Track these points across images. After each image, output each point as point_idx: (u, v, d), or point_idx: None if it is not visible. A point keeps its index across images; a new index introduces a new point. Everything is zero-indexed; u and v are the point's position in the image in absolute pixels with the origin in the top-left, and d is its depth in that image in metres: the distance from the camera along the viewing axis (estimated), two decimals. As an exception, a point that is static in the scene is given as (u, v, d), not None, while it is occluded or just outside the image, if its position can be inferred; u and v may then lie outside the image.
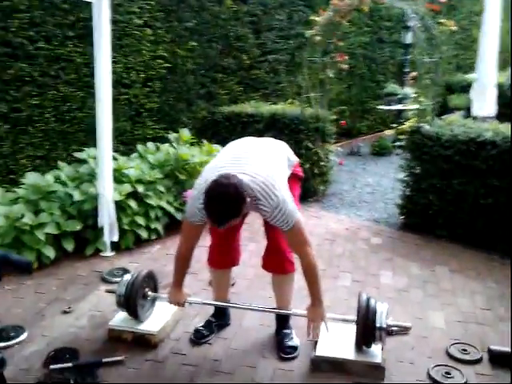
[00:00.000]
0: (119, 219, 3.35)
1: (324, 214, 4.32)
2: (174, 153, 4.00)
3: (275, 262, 2.31)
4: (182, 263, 2.26)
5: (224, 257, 2.42)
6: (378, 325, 2.08)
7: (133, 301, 2.31)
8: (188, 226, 2.16)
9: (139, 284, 2.34)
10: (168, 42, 5.04)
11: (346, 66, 5.08)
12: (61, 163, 3.63)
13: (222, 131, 5.00)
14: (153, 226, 3.51)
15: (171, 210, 3.63)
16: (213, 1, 5.37)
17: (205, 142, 4.36)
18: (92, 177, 3.48)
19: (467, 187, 3.49)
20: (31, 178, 3.35)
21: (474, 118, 4.86)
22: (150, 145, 4.24)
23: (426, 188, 3.73)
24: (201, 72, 5.33)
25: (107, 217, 3.28)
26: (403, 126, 4.25)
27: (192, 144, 4.33)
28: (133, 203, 3.41)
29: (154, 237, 3.55)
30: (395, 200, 4.10)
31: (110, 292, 2.53)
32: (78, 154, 3.67)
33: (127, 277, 2.42)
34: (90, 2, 3.25)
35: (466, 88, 7.39)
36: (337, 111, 5.13)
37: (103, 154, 3.30)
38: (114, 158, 3.59)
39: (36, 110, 4.00)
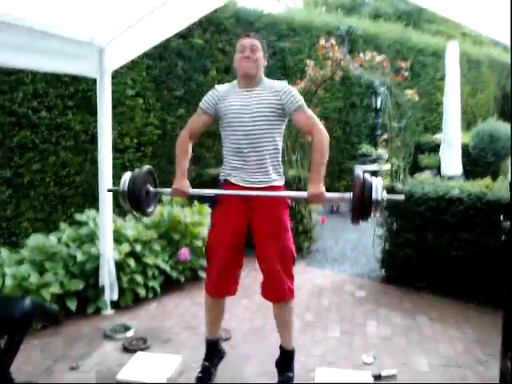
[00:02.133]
0: (118, 278, 3.52)
1: (310, 269, 4.57)
2: (168, 214, 4.23)
3: (275, 290, 2.40)
4: (183, 149, 2.48)
5: (222, 281, 2.45)
6: (373, 198, 2.08)
7: (137, 196, 2.36)
8: (196, 114, 2.50)
9: (142, 180, 2.40)
10: (158, 110, 5.39)
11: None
12: (62, 225, 3.82)
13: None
14: (150, 284, 3.68)
15: (167, 268, 3.82)
16: (198, 71, 5.80)
17: (196, 202, 4.61)
18: (92, 238, 3.67)
19: (440, 241, 3.78)
20: (35, 239, 3.52)
21: (443, 177, 5.26)
22: (144, 206, 4.47)
23: (403, 243, 4.02)
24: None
25: (108, 276, 3.45)
26: (379, 185, 4.59)
27: (183, 205, 4.57)
28: (132, 262, 3.59)
29: (151, 295, 3.70)
30: (376, 255, 4.39)
31: (112, 191, 2.59)
32: (78, 216, 3.88)
33: (128, 174, 2.44)
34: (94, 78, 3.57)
35: (434, 148, 7.93)
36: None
37: (104, 215, 3.50)
38: (113, 220, 3.80)
39: (37, 174, 4.24)
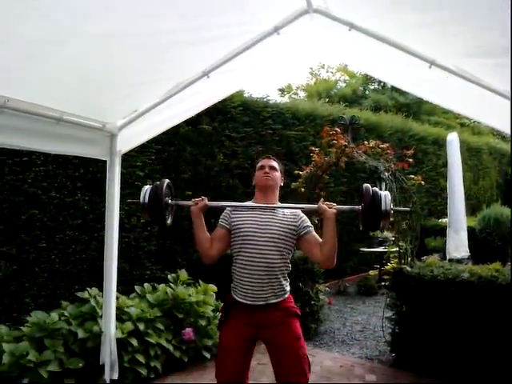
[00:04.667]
0: (120, 356, 3.41)
1: (317, 351, 4.42)
2: (172, 292, 4.19)
3: None
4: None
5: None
6: (383, 208, 2.24)
7: (159, 209, 2.45)
8: (218, 228, 2.55)
9: (162, 192, 2.47)
10: (166, 191, 5.52)
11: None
12: (64, 302, 3.78)
13: (215, 271, 5.22)
14: (152, 364, 3.57)
15: (170, 347, 3.72)
16: (206, 156, 6.00)
17: (200, 282, 4.58)
18: (93, 315, 3.61)
19: (450, 325, 3.70)
20: (36, 316, 3.48)
21: (451, 260, 5.23)
22: (147, 285, 4.44)
23: (412, 326, 3.93)
24: (196, 217, 5.74)
25: (109, 355, 3.34)
26: (386, 267, 4.58)
27: (188, 284, 4.54)
28: (134, 341, 3.51)
29: (152, 375, 3.58)
30: (385, 337, 4.25)
31: (132, 203, 2.56)
32: (80, 294, 3.84)
33: (148, 187, 2.55)
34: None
35: (440, 231, 7.95)
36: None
37: (109, 293, 3.47)
38: (116, 297, 3.77)
39: (43, 252, 4.26)
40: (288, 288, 2.49)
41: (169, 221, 2.61)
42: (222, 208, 2.61)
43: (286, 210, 2.52)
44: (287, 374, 2.36)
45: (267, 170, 2.55)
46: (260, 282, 2.37)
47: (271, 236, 2.40)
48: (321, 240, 2.44)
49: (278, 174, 2.58)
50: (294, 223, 2.47)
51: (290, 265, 2.50)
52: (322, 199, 2.50)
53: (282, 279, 2.43)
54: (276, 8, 2.55)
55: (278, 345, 2.38)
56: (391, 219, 5.26)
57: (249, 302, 2.39)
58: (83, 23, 1.92)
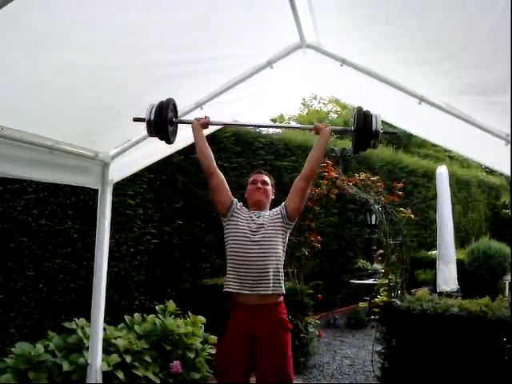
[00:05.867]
0: (105, 390, 3.34)
1: (306, 386, 4.35)
2: (160, 323, 4.12)
3: None
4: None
5: None
6: (373, 128, 2.38)
7: (164, 125, 2.49)
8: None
9: (167, 109, 2.50)
10: (157, 220, 5.50)
11: (318, 245, 5.55)
12: (50, 333, 3.69)
13: (204, 303, 5.17)
14: (138, 398, 3.48)
15: (157, 381, 3.62)
16: (198, 185, 5.99)
17: (189, 313, 4.52)
18: (80, 346, 3.53)
19: (440, 360, 3.66)
20: (21, 347, 3.39)
21: (440, 293, 5.22)
22: (137, 315, 4.37)
23: (402, 360, 3.88)
24: (186, 247, 5.71)
25: (94, 388, 3.27)
26: (376, 300, 4.56)
27: (177, 315, 4.47)
28: (120, 374, 3.43)
29: (138, 410, 3.49)
30: (375, 372, 4.19)
31: (138, 120, 2.58)
32: (67, 324, 3.76)
33: (154, 104, 2.53)
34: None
35: (430, 264, 7.97)
36: (313, 285, 5.45)
37: (96, 324, 3.39)
38: (103, 328, 3.69)
39: (31, 280, 4.19)
40: (283, 286, 2.56)
41: (172, 139, 2.67)
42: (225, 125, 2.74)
43: (269, 212, 2.68)
44: None
45: (259, 185, 2.69)
46: (257, 269, 2.45)
47: (263, 230, 2.53)
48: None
49: (269, 188, 2.73)
50: (277, 213, 2.61)
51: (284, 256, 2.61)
52: (315, 121, 2.70)
53: (278, 268, 2.52)
54: (270, 42, 2.62)
55: (264, 360, 2.44)
56: (381, 251, 5.26)
57: (247, 292, 2.45)
58: (80, 56, 1.95)
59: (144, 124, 2.78)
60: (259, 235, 2.53)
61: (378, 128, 2.41)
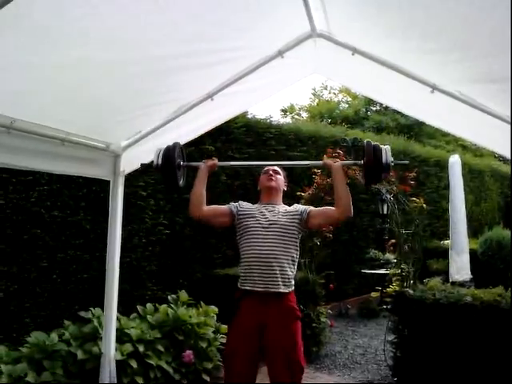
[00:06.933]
0: (119, 378, 3.37)
1: (318, 375, 4.37)
2: (173, 313, 4.16)
3: None
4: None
5: None
6: (384, 161, 2.37)
7: (171, 170, 2.55)
8: (222, 205, 2.69)
9: (173, 154, 2.56)
10: (168, 211, 5.52)
11: (330, 235, 5.54)
12: (66, 322, 3.75)
13: (216, 293, 5.20)
14: (151, 386, 3.53)
15: (170, 370, 3.67)
16: (209, 176, 6.00)
17: (202, 303, 4.55)
18: (95, 336, 3.58)
19: (452, 349, 3.65)
20: (36, 337, 3.45)
21: (453, 283, 5.20)
22: (149, 305, 4.41)
23: (414, 350, 3.88)
24: (197, 238, 5.74)
25: (108, 377, 3.30)
26: (388, 290, 4.55)
27: (189, 305, 4.51)
28: (133, 363, 3.47)
29: (151, 398, 3.53)
30: (387, 361, 4.20)
31: (145, 165, 2.71)
32: (83, 314, 3.81)
33: (161, 148, 2.61)
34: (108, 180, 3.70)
35: (442, 253, 7.92)
36: (324, 275, 5.45)
37: (109, 314, 3.44)
38: (117, 318, 3.74)
39: (44, 271, 4.24)
40: (293, 282, 2.59)
41: (180, 182, 2.71)
42: (232, 167, 2.81)
43: (286, 208, 2.70)
44: (277, 375, 2.46)
45: (271, 172, 2.74)
46: (270, 270, 2.48)
47: (276, 227, 2.55)
48: (327, 207, 2.64)
49: (281, 177, 2.78)
50: (296, 213, 2.63)
51: (298, 253, 2.63)
52: (325, 156, 2.74)
53: (290, 268, 2.55)
54: (280, 32, 2.60)
55: (274, 349, 2.47)
56: (393, 241, 5.25)
57: (260, 289, 2.49)
58: (90, 49, 1.95)
59: (155, 115, 2.80)
60: (271, 233, 2.55)
61: (389, 161, 2.41)
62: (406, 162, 2.79)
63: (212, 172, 2.73)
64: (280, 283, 2.49)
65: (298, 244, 2.62)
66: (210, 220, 2.70)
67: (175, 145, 2.65)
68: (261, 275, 2.50)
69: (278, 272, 2.49)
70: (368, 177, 2.51)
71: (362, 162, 2.49)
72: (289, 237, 2.56)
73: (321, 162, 2.68)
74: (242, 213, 2.64)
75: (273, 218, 2.59)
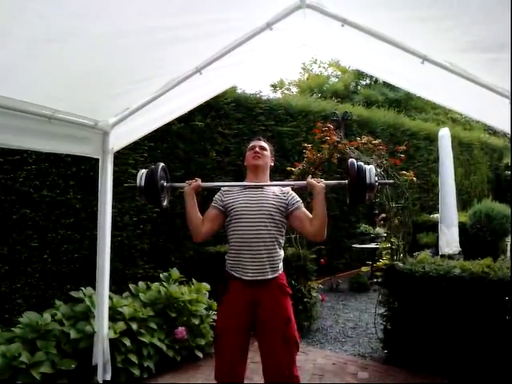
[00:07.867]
0: (112, 357, 3.39)
1: (310, 349, 4.42)
2: (165, 291, 4.17)
3: (280, 379, 2.43)
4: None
5: (232, 371, 2.49)
6: (367, 181, 2.37)
7: (155, 192, 2.52)
8: (209, 209, 2.61)
9: (157, 175, 2.53)
10: (159, 188, 5.47)
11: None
12: (57, 302, 3.74)
13: (208, 270, 5.21)
14: (145, 363, 3.54)
15: (163, 347, 3.69)
16: (199, 153, 5.96)
17: (194, 280, 4.56)
18: (87, 315, 3.58)
19: (442, 321, 3.70)
20: (28, 317, 3.44)
21: (443, 256, 5.25)
22: (141, 284, 4.41)
23: (405, 322, 3.93)
24: (188, 215, 5.71)
25: (101, 355, 3.31)
26: (378, 264, 4.58)
27: (181, 282, 4.52)
28: (127, 341, 3.48)
29: (145, 375, 3.55)
30: (378, 334, 4.25)
31: (129, 187, 2.69)
32: (74, 293, 3.80)
33: (143, 171, 2.60)
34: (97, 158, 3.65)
35: (432, 227, 7.99)
36: (315, 250, 5.47)
37: (101, 293, 3.43)
38: (109, 297, 3.73)
39: (35, 251, 4.21)
40: (281, 264, 2.59)
41: (165, 203, 2.69)
42: (215, 188, 2.72)
43: (275, 189, 2.63)
44: (272, 353, 2.45)
45: (257, 149, 2.66)
46: (259, 256, 2.46)
47: (263, 212, 2.51)
48: (311, 215, 2.53)
49: (267, 154, 2.71)
50: (284, 200, 2.57)
51: (284, 238, 2.62)
52: (310, 175, 2.67)
53: (278, 253, 2.54)
54: (269, 3, 2.53)
55: (268, 325, 2.47)
56: (384, 215, 5.26)
57: (249, 278, 2.47)
58: (76, 23, 1.89)
59: (143, 91, 2.73)
60: (258, 217, 2.51)
61: (372, 181, 2.40)
62: (391, 181, 2.79)
63: (197, 192, 2.61)
64: (268, 270, 2.49)
65: (284, 227, 2.60)
66: (213, 232, 2.63)
67: (157, 166, 2.61)
68: (249, 263, 2.48)
69: (265, 259, 2.47)
70: (352, 197, 2.48)
71: (347, 182, 2.48)
72: (275, 221, 2.53)
73: (304, 182, 2.60)
74: (226, 202, 2.57)
75: (259, 201, 2.54)
